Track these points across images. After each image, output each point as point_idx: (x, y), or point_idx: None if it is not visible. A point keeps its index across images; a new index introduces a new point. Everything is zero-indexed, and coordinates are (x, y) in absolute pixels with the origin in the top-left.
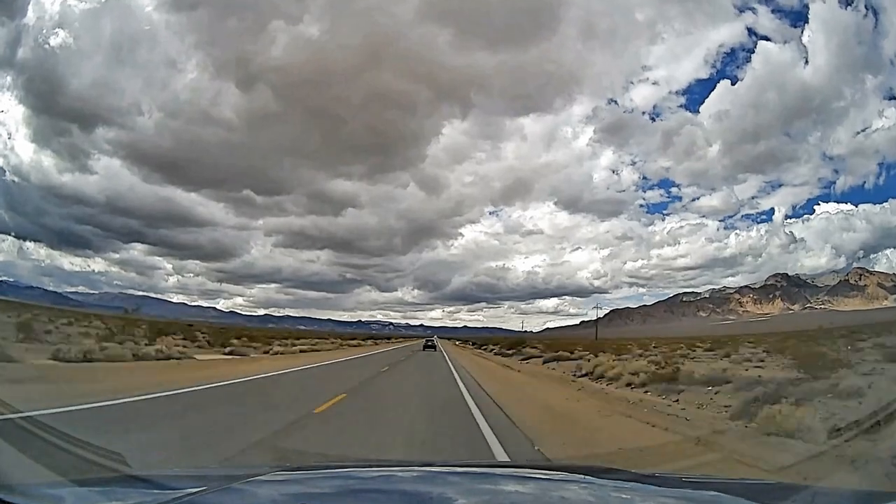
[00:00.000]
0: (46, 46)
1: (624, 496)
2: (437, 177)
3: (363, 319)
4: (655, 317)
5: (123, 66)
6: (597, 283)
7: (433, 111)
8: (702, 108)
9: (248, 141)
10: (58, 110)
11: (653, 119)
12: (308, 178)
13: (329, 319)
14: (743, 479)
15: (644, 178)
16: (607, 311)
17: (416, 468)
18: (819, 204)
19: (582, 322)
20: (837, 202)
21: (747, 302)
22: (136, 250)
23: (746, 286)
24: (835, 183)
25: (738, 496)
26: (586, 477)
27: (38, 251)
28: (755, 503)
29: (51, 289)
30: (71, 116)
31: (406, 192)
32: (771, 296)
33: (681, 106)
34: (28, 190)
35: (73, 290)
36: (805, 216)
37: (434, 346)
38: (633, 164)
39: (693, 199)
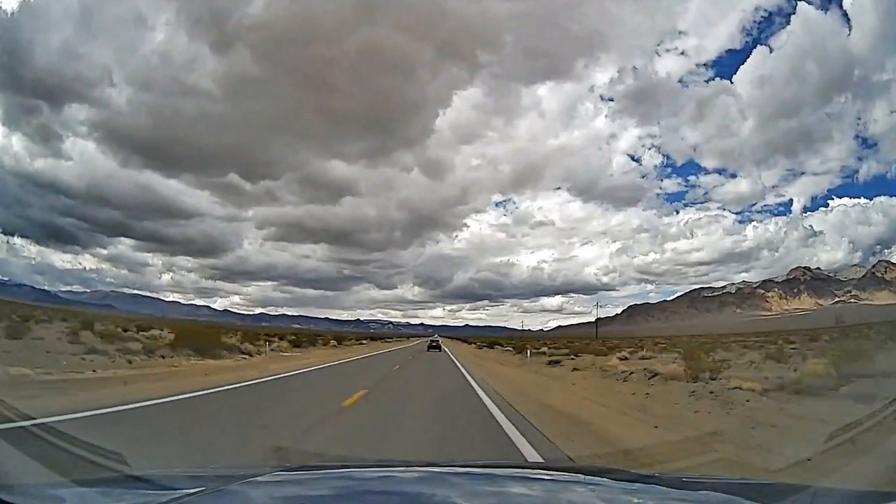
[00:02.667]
0: (5, 10)
1: (625, 497)
2: (441, 160)
3: (362, 318)
4: (678, 313)
5: (88, 27)
6: (605, 279)
7: (435, 74)
8: (736, 78)
9: (230, 114)
10: (24, 85)
11: (685, 86)
12: (300, 160)
13: (326, 318)
14: (743, 479)
15: (667, 159)
16: (625, 308)
17: (417, 469)
18: (833, 199)
19: (598, 319)
20: (852, 197)
21: (773, 297)
22: (124, 245)
23: (770, 280)
24: (857, 172)
25: (738, 496)
26: (587, 477)
27: (29, 248)
28: (755, 503)
29: (40, 287)
30: (38, 92)
31: (409, 177)
32: (795, 290)
33: (710, 79)
34: (2, 177)
35: (68, 288)
36: (821, 209)
37: (438, 347)
38: (655, 146)
39: (716, 186)
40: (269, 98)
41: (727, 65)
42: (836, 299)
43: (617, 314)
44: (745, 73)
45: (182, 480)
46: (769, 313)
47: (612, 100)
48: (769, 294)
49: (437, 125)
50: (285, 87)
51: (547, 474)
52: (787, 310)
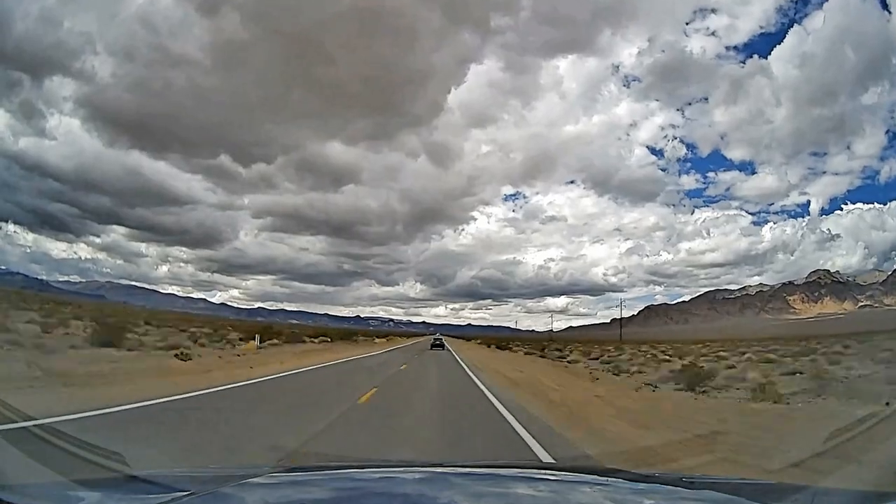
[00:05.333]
0: None
1: (629, 497)
2: (449, 145)
3: (362, 315)
4: (698, 315)
5: None
6: (613, 279)
7: (443, 40)
8: (771, 58)
9: (219, 86)
10: (4, 56)
11: (719, 62)
12: (295, 139)
13: (325, 314)
14: (743, 479)
15: (691, 150)
16: (641, 309)
17: (418, 469)
18: (847, 203)
19: (613, 320)
20: (866, 202)
21: (795, 300)
22: (116, 233)
23: (790, 283)
24: (879, 173)
25: (738, 496)
26: (590, 477)
27: (24, 236)
28: (755, 503)
29: (34, 275)
30: (19, 63)
31: (414, 163)
32: (816, 294)
33: (743, 60)
34: None
35: (65, 278)
36: (837, 212)
37: (442, 346)
38: (678, 137)
39: (738, 182)
40: (260, 68)
41: (758, 48)
42: (862, 303)
43: (633, 315)
44: (780, 54)
45: (182, 480)
46: (796, 317)
47: (637, 80)
48: (792, 297)
49: (448, 103)
50: (277, 56)
51: (550, 474)
52: (820, 314)
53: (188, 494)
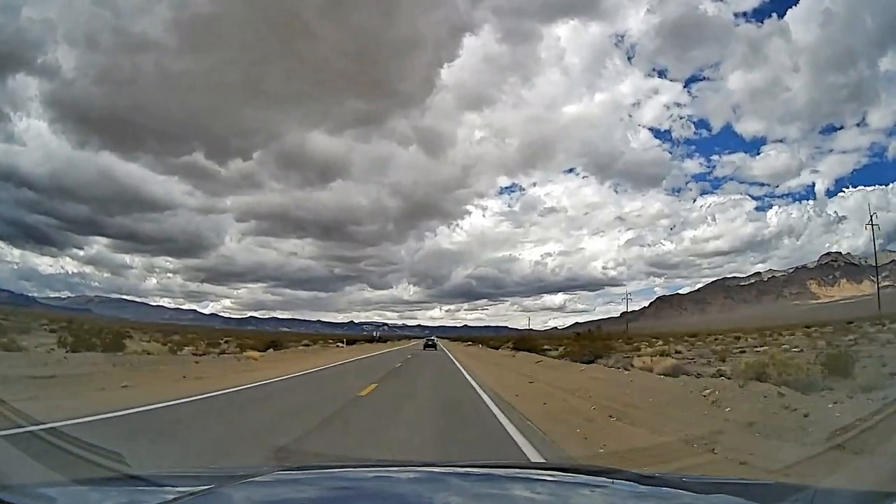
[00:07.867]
0: None
1: (628, 498)
2: (441, 131)
3: (356, 321)
4: (713, 304)
5: None
6: (613, 273)
7: (431, 4)
8: (788, 18)
9: (188, 71)
10: None
11: (736, 23)
12: (275, 128)
13: (318, 321)
14: (743, 479)
15: (699, 127)
16: (653, 300)
17: (417, 469)
18: (851, 185)
19: (623, 314)
20: (867, 185)
21: (812, 284)
22: (99, 244)
23: (803, 267)
24: (886, 150)
25: (737, 496)
26: (588, 478)
27: (11, 252)
28: (755, 503)
29: (20, 292)
30: None
31: (407, 153)
32: (831, 277)
33: (762, 19)
34: None
35: (56, 294)
36: (841, 194)
37: (434, 346)
38: (685, 115)
39: (747, 161)
40: (230, 47)
41: (775, 8)
42: (884, 284)
43: (644, 308)
44: (795, 15)
45: (182, 480)
46: (819, 301)
47: (643, 47)
48: (809, 282)
49: (441, 80)
50: (247, 31)
51: (548, 475)
52: (842, 297)
53: (188, 494)
